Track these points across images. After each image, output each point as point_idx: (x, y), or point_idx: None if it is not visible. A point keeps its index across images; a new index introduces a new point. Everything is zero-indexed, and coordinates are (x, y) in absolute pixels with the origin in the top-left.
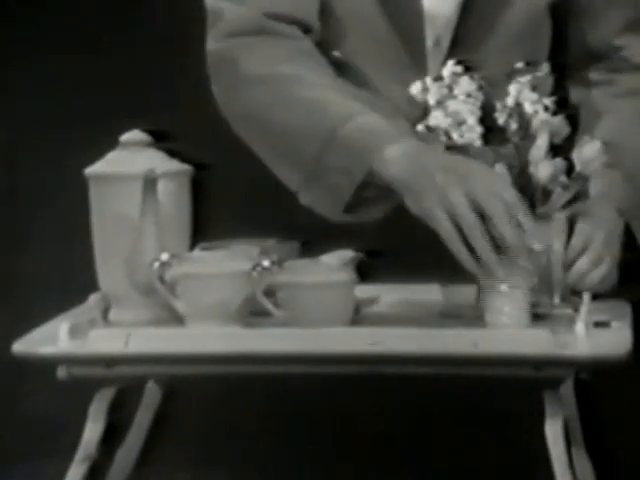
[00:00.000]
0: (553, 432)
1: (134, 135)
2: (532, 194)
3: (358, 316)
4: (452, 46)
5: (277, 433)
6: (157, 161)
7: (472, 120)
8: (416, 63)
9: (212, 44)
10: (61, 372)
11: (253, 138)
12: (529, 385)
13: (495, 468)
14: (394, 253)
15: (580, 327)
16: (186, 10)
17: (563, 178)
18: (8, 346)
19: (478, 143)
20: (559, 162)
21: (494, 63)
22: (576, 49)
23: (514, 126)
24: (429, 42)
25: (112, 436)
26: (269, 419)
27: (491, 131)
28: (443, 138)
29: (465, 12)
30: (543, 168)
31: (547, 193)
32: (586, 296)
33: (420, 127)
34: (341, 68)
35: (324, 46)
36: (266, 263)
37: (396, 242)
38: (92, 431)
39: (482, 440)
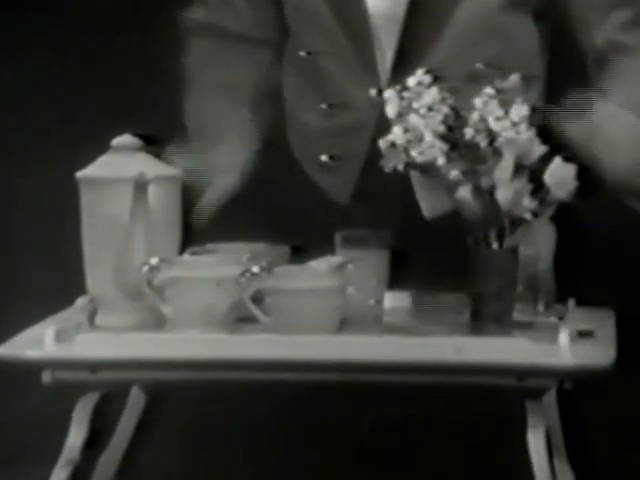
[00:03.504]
0: (535, 442)
1: (125, 139)
2: (500, 222)
3: (346, 321)
4: (400, 48)
5: (261, 439)
6: (148, 165)
7: (429, 136)
8: (367, 64)
9: None
10: (46, 377)
11: None
12: (511, 394)
13: (477, 478)
14: None
15: (564, 337)
16: (177, 18)
17: (530, 203)
18: None
19: (441, 161)
20: (520, 185)
21: (450, 65)
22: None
23: (483, 143)
24: (375, 43)
25: (95, 441)
26: (254, 425)
27: (457, 148)
28: (403, 155)
29: (411, 13)
30: (501, 192)
31: (515, 221)
32: (571, 303)
33: (382, 142)
34: (307, 66)
35: (290, 41)
36: (255, 269)
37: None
38: (76, 435)
39: (464, 449)
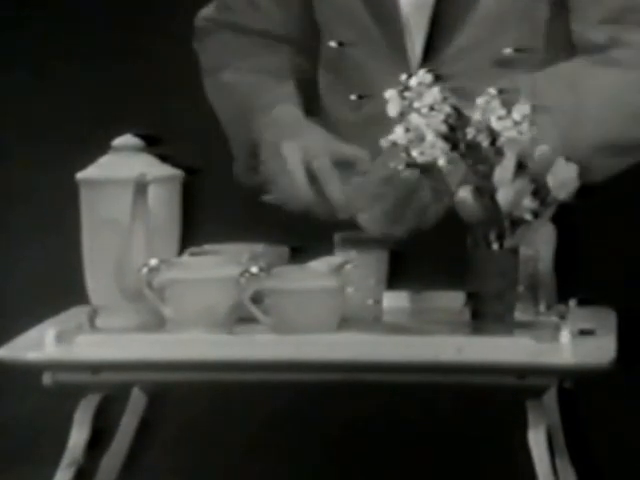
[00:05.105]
0: (536, 441)
1: (126, 140)
2: (500, 223)
3: (344, 322)
4: (430, 35)
5: (262, 440)
6: (148, 166)
7: (431, 136)
8: (397, 53)
9: None
10: (47, 379)
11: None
12: (512, 394)
13: (477, 478)
14: None
15: (565, 335)
16: (178, 19)
17: (530, 203)
18: None
19: (442, 162)
20: (521, 185)
21: (479, 49)
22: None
23: (485, 143)
24: (405, 31)
25: (98, 442)
26: (255, 426)
27: (458, 148)
28: (403, 155)
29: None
30: (503, 193)
31: (515, 221)
32: (572, 303)
33: (383, 142)
34: (338, 59)
35: (321, 36)
36: (254, 269)
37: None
38: (78, 437)
39: (464, 449)
